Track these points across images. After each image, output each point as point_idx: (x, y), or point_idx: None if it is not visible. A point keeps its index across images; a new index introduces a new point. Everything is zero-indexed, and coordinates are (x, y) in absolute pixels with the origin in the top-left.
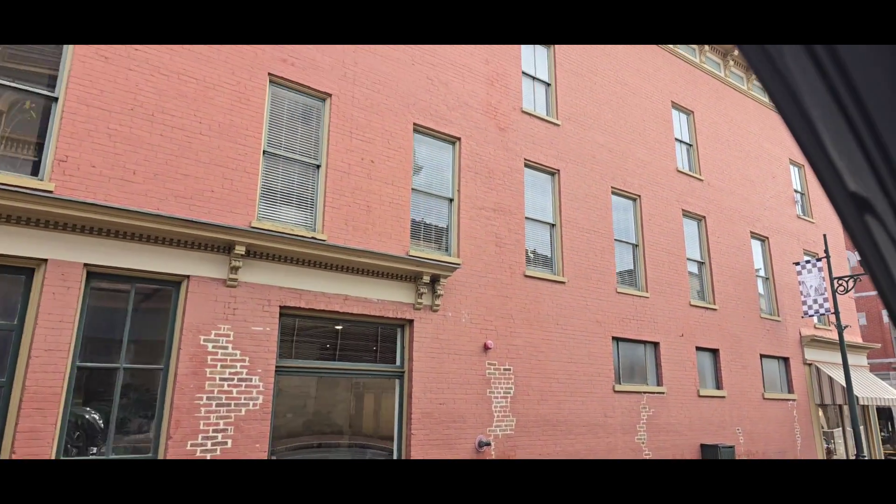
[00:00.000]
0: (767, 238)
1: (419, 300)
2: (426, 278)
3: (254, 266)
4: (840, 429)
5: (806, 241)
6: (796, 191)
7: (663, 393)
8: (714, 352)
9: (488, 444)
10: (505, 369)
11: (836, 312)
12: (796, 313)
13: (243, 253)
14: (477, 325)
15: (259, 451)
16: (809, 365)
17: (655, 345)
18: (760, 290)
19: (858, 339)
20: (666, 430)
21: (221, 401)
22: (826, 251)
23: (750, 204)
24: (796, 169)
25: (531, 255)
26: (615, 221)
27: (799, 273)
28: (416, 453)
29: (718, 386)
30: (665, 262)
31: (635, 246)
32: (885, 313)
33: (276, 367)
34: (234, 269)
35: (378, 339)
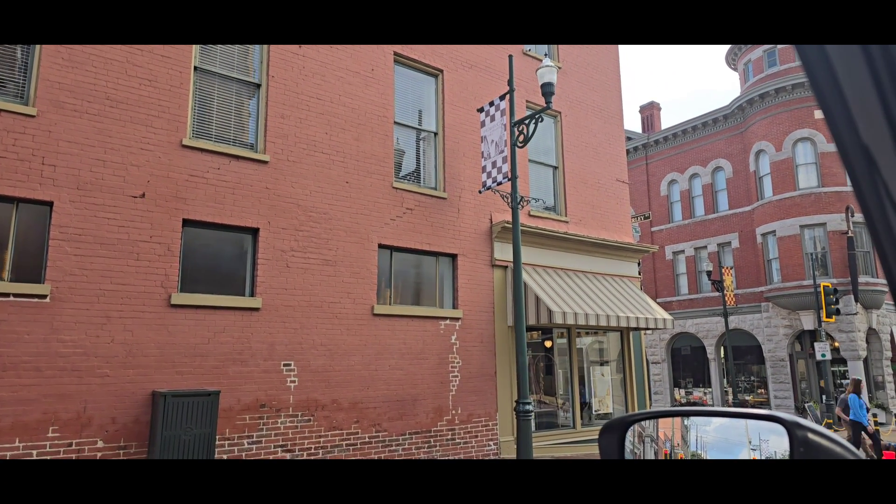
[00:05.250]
0: (442, 72)
1: None
2: None
3: None
4: (605, 366)
5: (538, 91)
6: None
7: (42, 297)
8: (250, 232)
9: None
10: None
11: (513, 177)
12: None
13: None
14: None
15: None
16: (505, 268)
17: (45, 207)
18: (422, 152)
19: (626, 239)
20: (16, 367)
21: None
22: (510, 81)
23: None
24: None
25: None
26: None
27: (482, 124)
28: None
29: (251, 291)
30: (115, 65)
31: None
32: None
33: None
34: None
35: None
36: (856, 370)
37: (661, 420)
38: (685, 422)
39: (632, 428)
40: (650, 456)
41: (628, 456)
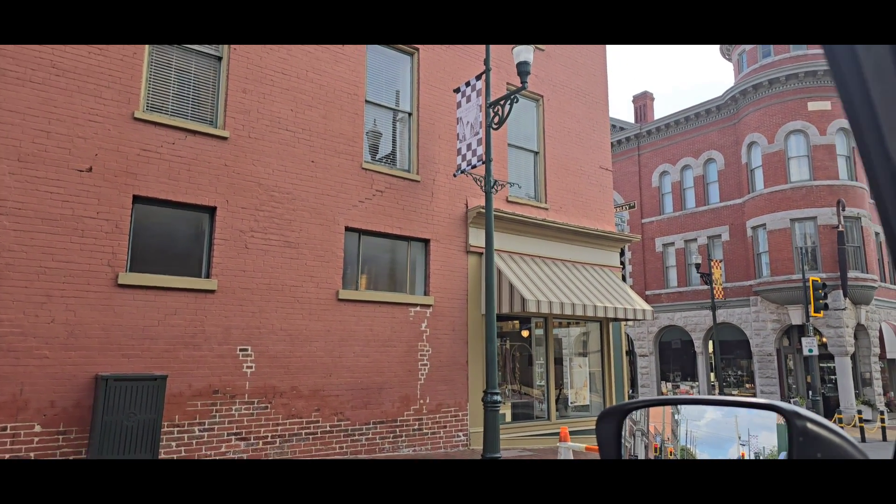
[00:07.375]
0: (417, 50)
1: None
2: None
3: None
4: (583, 357)
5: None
6: None
7: None
8: (206, 211)
9: None
10: None
11: (487, 160)
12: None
13: None
14: None
15: None
16: (480, 254)
17: None
18: (396, 133)
19: (608, 227)
20: None
21: None
22: (486, 61)
23: None
24: None
25: None
26: None
27: (458, 105)
28: None
29: (207, 272)
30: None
31: None
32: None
33: None
34: None
35: None
36: (843, 366)
37: (651, 414)
38: (676, 416)
39: (625, 420)
40: (640, 449)
41: (623, 446)
